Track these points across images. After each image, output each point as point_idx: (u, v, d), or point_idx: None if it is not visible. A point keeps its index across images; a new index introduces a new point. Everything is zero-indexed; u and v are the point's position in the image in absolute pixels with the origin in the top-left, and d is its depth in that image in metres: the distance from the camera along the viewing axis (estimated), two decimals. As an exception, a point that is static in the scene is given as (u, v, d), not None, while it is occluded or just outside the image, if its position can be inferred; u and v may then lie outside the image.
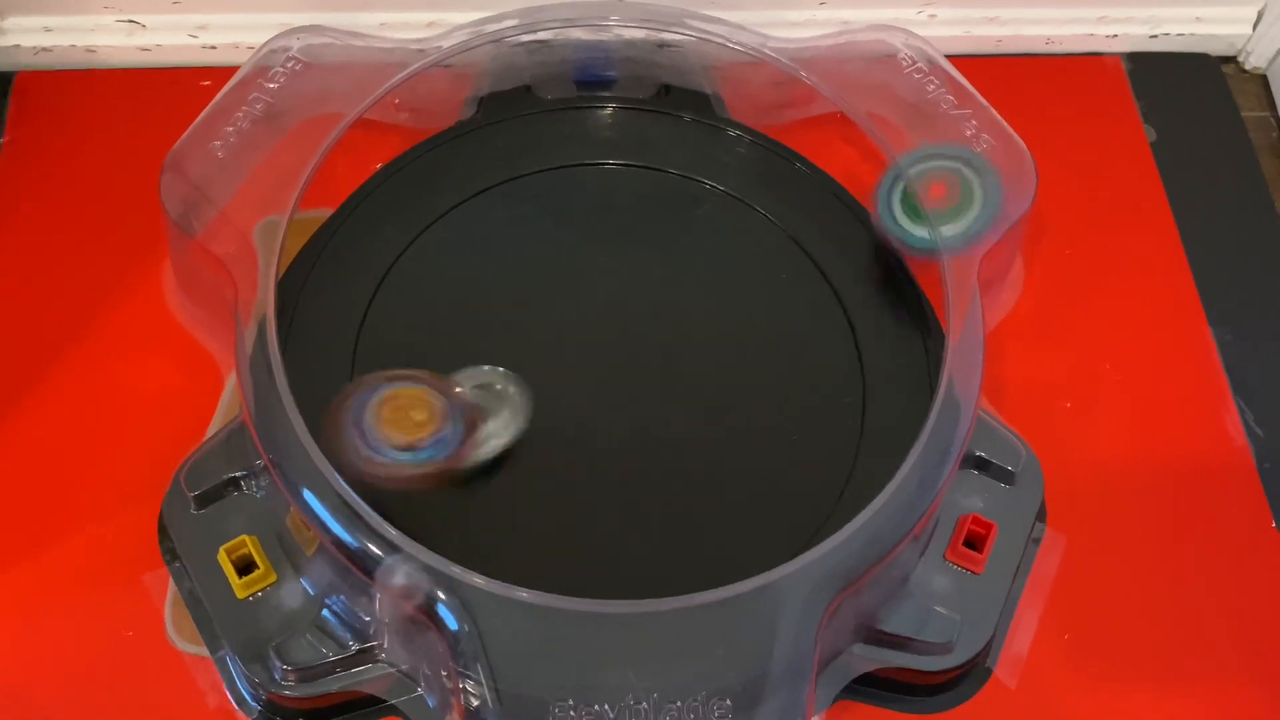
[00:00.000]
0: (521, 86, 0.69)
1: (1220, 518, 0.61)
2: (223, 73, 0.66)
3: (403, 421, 0.52)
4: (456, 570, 0.50)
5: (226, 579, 0.54)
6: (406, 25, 0.73)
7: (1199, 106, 0.76)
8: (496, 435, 0.56)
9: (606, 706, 0.48)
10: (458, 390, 0.53)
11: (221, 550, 0.55)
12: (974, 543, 0.57)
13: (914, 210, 0.59)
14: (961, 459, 0.56)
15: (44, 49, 0.73)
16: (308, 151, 0.61)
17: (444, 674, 0.51)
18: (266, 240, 0.59)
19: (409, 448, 0.53)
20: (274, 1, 0.72)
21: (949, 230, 0.59)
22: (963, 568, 0.56)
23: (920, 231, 0.59)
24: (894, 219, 0.59)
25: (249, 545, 0.55)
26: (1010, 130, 0.64)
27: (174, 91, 0.72)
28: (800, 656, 0.50)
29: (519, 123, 0.68)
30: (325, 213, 0.64)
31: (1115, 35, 0.77)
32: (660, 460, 0.58)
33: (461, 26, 0.67)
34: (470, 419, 0.53)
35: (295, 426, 0.53)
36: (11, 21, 0.73)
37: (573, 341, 0.61)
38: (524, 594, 0.50)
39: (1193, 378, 0.65)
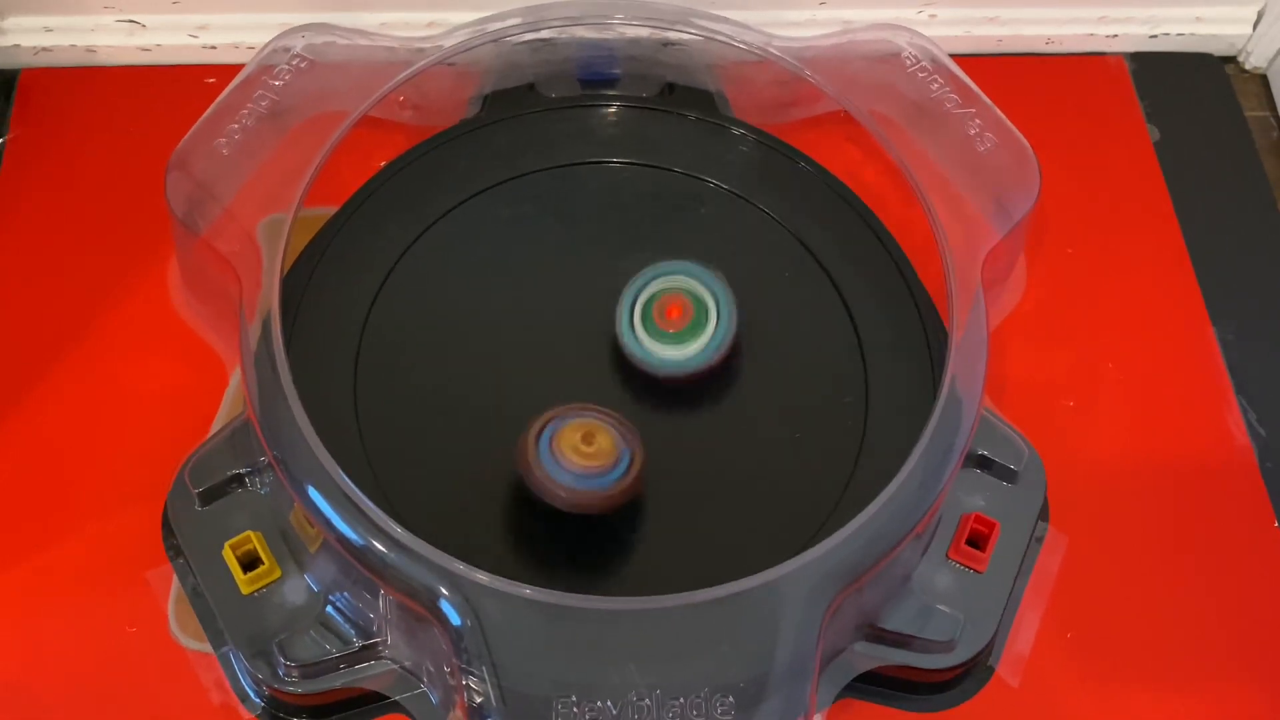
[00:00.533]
0: (525, 85, 0.69)
1: (1222, 517, 0.61)
2: (224, 72, 0.66)
3: (584, 449, 0.53)
4: (460, 566, 0.50)
5: (231, 575, 0.54)
6: (408, 24, 0.73)
7: (1201, 106, 0.76)
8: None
9: (609, 703, 0.48)
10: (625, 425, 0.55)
11: (226, 546, 0.55)
12: (976, 541, 0.57)
13: (654, 330, 0.58)
14: (964, 458, 0.56)
15: (44, 49, 0.73)
16: (312, 149, 0.61)
17: (447, 670, 0.51)
18: (271, 238, 0.59)
19: (589, 473, 0.54)
20: (274, 1, 0.72)
21: (686, 351, 0.58)
22: (965, 566, 0.56)
23: (661, 352, 0.58)
24: (635, 340, 0.58)
25: (253, 541, 0.55)
26: (1014, 129, 0.64)
27: (176, 90, 0.72)
28: (803, 654, 0.50)
29: (523, 121, 0.68)
30: (329, 210, 0.64)
31: (1115, 35, 0.77)
32: (664, 457, 0.58)
33: (465, 25, 0.67)
34: (636, 449, 0.55)
35: (299, 423, 0.53)
36: (12, 21, 0.73)
37: (576, 339, 0.61)
38: (527, 590, 0.50)
39: (1195, 377, 0.65)
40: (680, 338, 0.58)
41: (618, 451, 0.54)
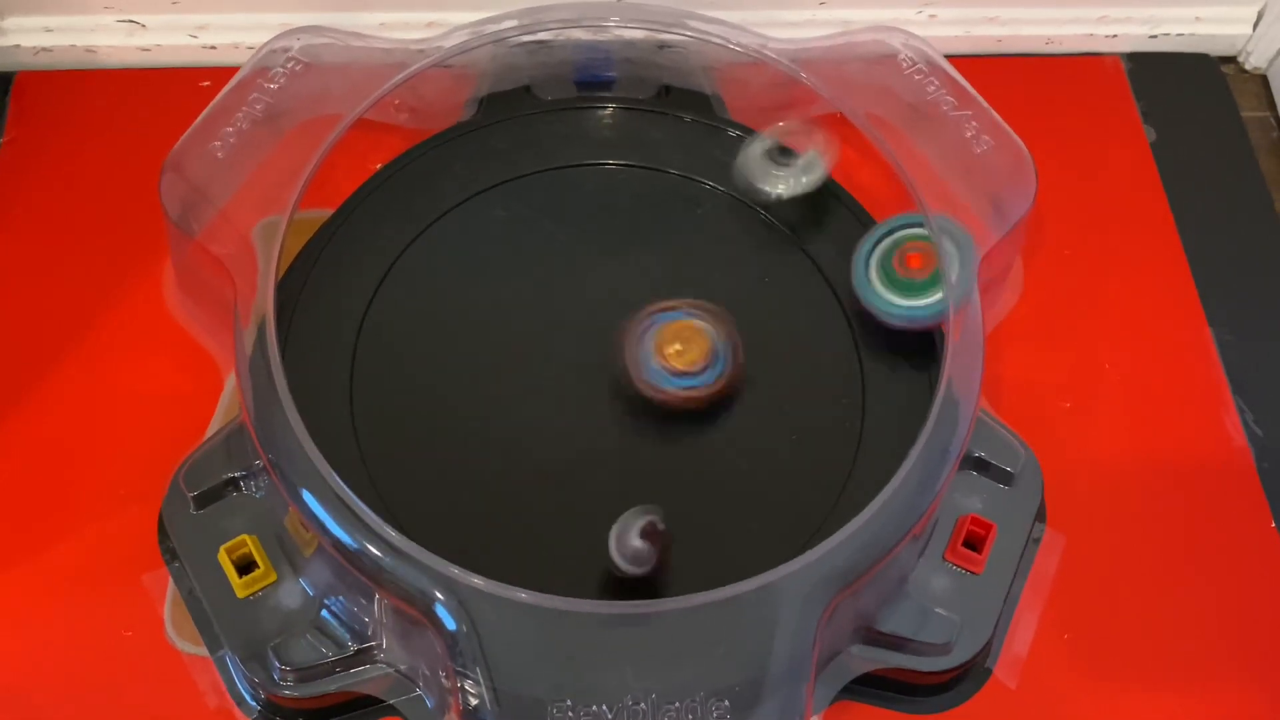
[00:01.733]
0: (521, 87, 0.69)
1: (1220, 518, 0.61)
2: (222, 73, 0.66)
3: (680, 353, 0.57)
4: (455, 571, 0.50)
5: (226, 579, 0.54)
6: (406, 25, 0.73)
7: (1199, 107, 0.76)
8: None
9: (605, 707, 0.48)
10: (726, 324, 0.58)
11: (221, 550, 0.55)
12: (973, 543, 0.57)
13: (891, 279, 0.59)
14: (961, 460, 0.56)
15: (44, 49, 0.73)
16: (308, 152, 0.61)
17: (442, 674, 0.51)
18: (266, 241, 0.59)
19: (683, 374, 0.56)
20: (274, 2, 0.72)
21: (925, 300, 0.59)
22: (962, 568, 0.56)
23: (898, 300, 0.59)
24: (871, 288, 0.59)
25: (249, 545, 0.55)
26: (1010, 131, 0.64)
27: (174, 92, 0.72)
28: (799, 657, 0.50)
29: (519, 123, 0.68)
30: (325, 213, 0.64)
31: (1115, 35, 0.77)
32: (659, 460, 0.58)
33: (462, 27, 0.67)
34: (735, 353, 0.58)
35: (295, 427, 0.53)
36: (11, 21, 0.73)
37: (573, 342, 0.61)
38: (522, 594, 0.50)
39: (1192, 378, 0.65)
40: (921, 287, 0.59)
41: (710, 355, 0.57)
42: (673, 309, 0.58)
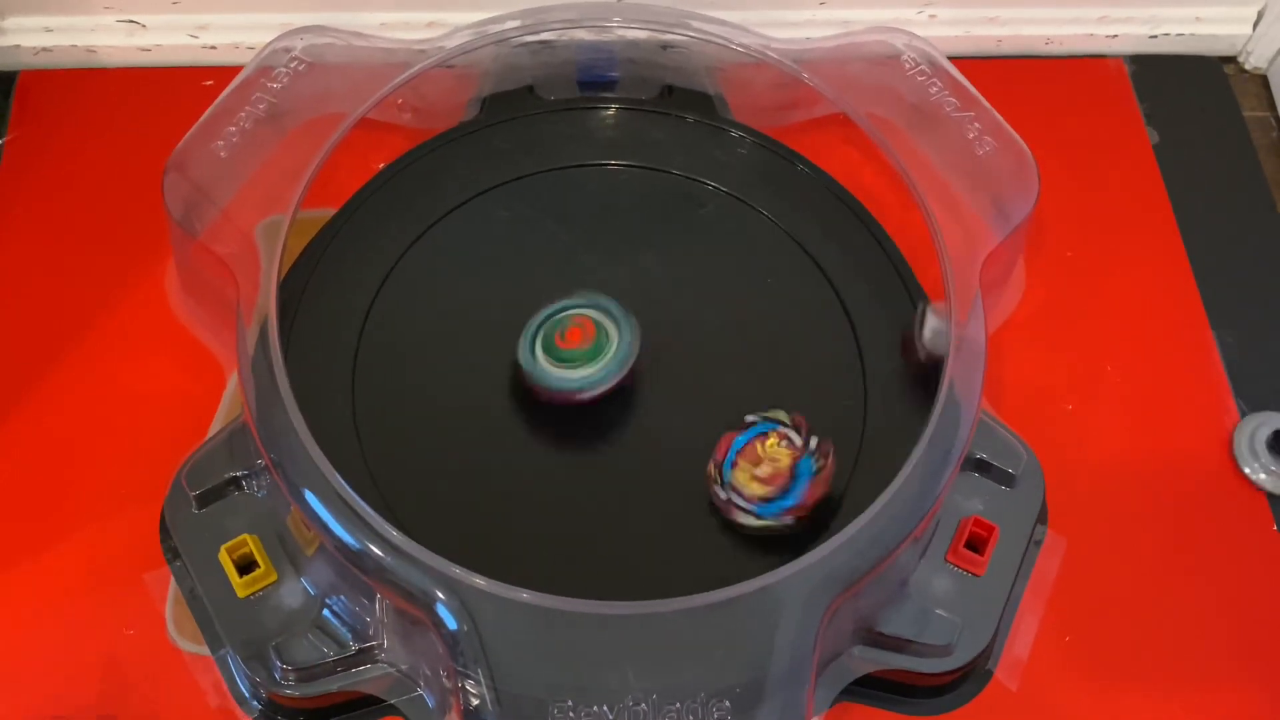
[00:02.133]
0: (524, 87, 0.69)
1: (1221, 520, 0.61)
2: (224, 72, 0.66)
3: (758, 476, 0.55)
4: (457, 571, 0.50)
5: (227, 578, 0.54)
6: (407, 25, 0.73)
7: (1200, 107, 0.76)
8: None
9: (605, 707, 0.48)
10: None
11: (222, 549, 0.55)
12: (975, 545, 0.57)
13: (553, 352, 0.58)
14: (962, 461, 0.56)
15: (44, 49, 0.73)
16: (310, 151, 0.61)
17: (444, 674, 0.51)
18: (269, 240, 0.59)
19: (764, 500, 0.55)
20: (274, 2, 0.72)
21: (583, 373, 0.58)
22: (963, 570, 0.56)
23: (558, 373, 0.58)
24: (534, 361, 0.58)
25: (250, 544, 0.55)
26: (1013, 132, 0.64)
27: (175, 91, 0.72)
28: (800, 658, 0.50)
29: (522, 123, 0.68)
30: (328, 213, 0.64)
31: (1115, 35, 0.77)
32: (661, 461, 0.58)
33: (464, 27, 0.67)
34: (823, 456, 0.56)
35: (296, 427, 0.53)
36: (12, 21, 0.73)
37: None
38: (524, 594, 0.50)
39: (1194, 380, 0.65)
40: (580, 359, 0.58)
41: (791, 471, 0.55)
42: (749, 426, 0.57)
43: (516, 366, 0.58)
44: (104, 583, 0.57)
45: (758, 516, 0.55)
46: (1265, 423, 0.63)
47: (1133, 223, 0.71)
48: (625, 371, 0.57)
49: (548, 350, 0.57)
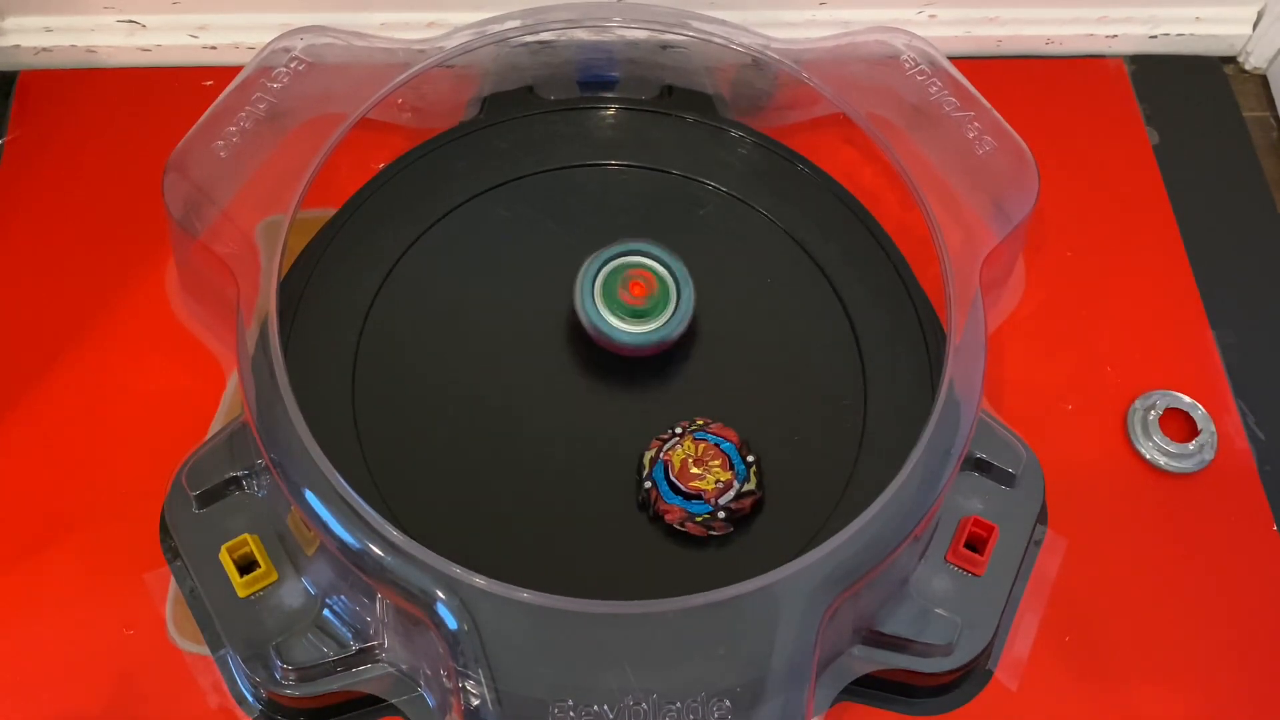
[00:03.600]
0: (524, 87, 0.69)
1: (1221, 520, 0.61)
2: (224, 72, 0.66)
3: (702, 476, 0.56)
4: (457, 570, 0.50)
5: (228, 578, 0.54)
6: (407, 25, 0.73)
7: (1200, 107, 0.76)
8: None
9: (606, 707, 0.48)
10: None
11: (223, 549, 0.55)
12: (975, 545, 0.57)
13: (614, 304, 0.59)
14: (962, 461, 0.56)
15: (44, 49, 0.73)
16: (310, 151, 0.61)
17: (444, 674, 0.51)
18: (269, 240, 0.59)
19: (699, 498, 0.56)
20: (275, 2, 0.72)
21: (646, 327, 0.59)
22: (963, 570, 0.56)
23: (620, 325, 0.59)
24: (596, 310, 0.59)
25: (250, 544, 0.55)
26: (1013, 133, 0.64)
27: (175, 91, 0.72)
28: (800, 658, 0.50)
29: (522, 123, 0.68)
30: (328, 213, 0.64)
31: (1115, 36, 0.77)
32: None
33: (464, 27, 0.67)
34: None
35: (297, 426, 0.53)
36: (12, 21, 0.73)
37: (574, 342, 0.61)
38: (524, 594, 0.50)
39: (1194, 380, 0.65)
40: (644, 313, 0.59)
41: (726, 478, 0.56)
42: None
43: (574, 315, 0.59)
44: (104, 582, 0.57)
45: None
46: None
47: (1133, 223, 0.71)
48: (687, 324, 0.59)
49: (610, 304, 0.59)
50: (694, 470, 0.56)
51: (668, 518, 0.55)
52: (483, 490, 0.57)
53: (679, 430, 0.57)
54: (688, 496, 0.55)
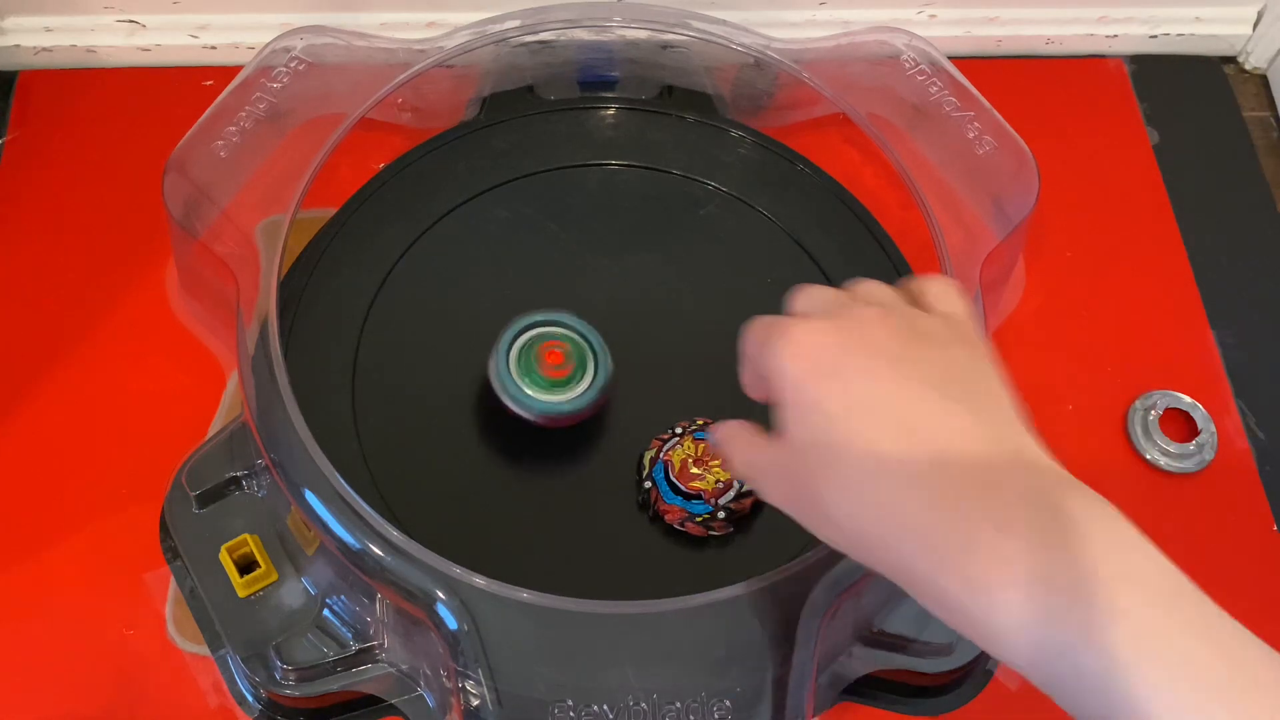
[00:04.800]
0: (524, 87, 0.69)
1: (1221, 520, 0.61)
2: (224, 72, 0.66)
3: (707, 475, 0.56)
4: (457, 570, 0.50)
5: (228, 578, 0.54)
6: (407, 25, 0.73)
7: (1200, 107, 0.76)
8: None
9: (606, 707, 0.48)
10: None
11: (223, 549, 0.55)
12: (975, 544, 0.57)
13: (531, 375, 0.56)
14: (963, 461, 0.56)
15: (44, 49, 0.73)
16: (310, 151, 0.61)
17: (444, 674, 0.51)
18: (269, 240, 0.59)
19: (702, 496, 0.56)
20: (274, 2, 0.72)
21: (560, 397, 0.56)
22: (963, 569, 0.56)
23: (537, 395, 0.56)
24: (512, 381, 0.56)
25: (250, 544, 0.55)
26: (1013, 132, 0.64)
27: (175, 91, 0.72)
28: (800, 658, 0.50)
29: (522, 123, 0.68)
30: (328, 213, 0.64)
31: (1115, 36, 0.77)
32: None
33: (464, 27, 0.67)
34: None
35: (297, 426, 0.53)
36: (11, 21, 0.73)
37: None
38: (524, 594, 0.50)
39: (1195, 380, 0.65)
40: (559, 385, 0.57)
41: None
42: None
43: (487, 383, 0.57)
44: (104, 582, 0.57)
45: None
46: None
47: (1133, 223, 0.71)
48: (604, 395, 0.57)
49: (527, 373, 0.56)
50: (694, 470, 0.56)
51: (668, 518, 0.55)
52: (483, 490, 0.57)
53: (679, 430, 0.57)
54: (688, 497, 0.55)
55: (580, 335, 0.58)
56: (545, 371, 0.56)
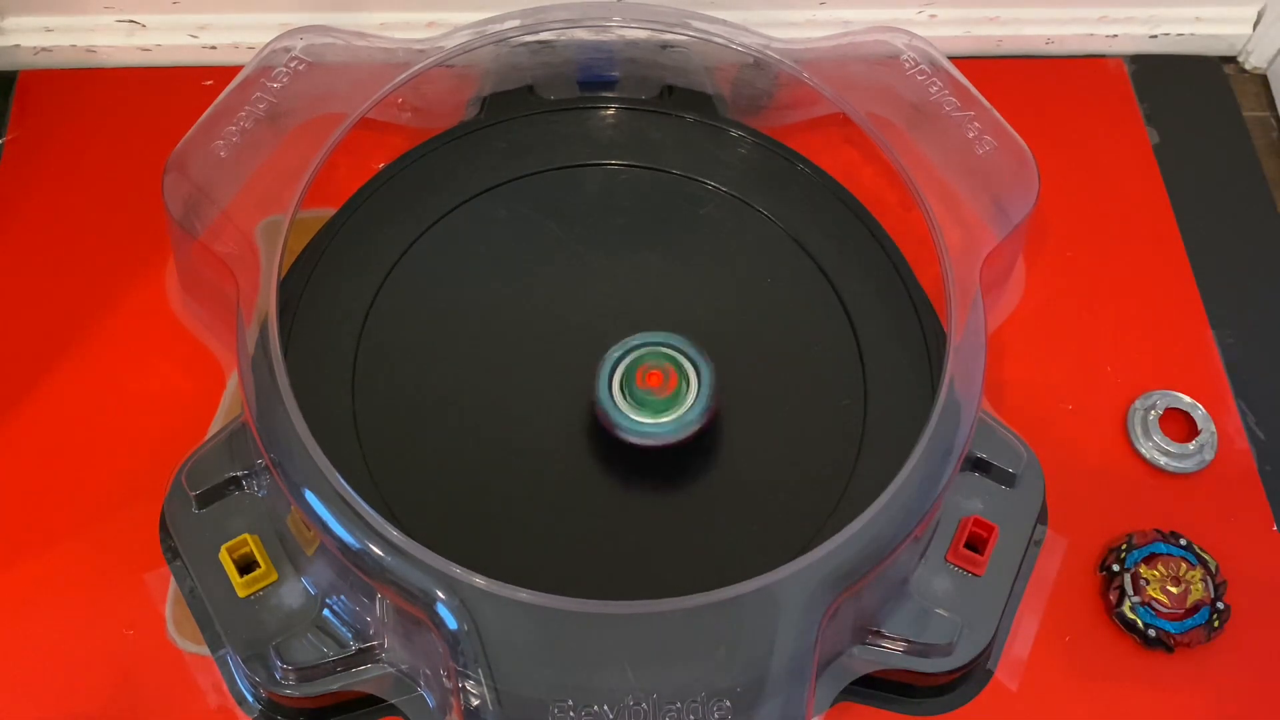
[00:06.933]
0: (524, 87, 0.69)
1: (1221, 520, 0.61)
2: (224, 72, 0.66)
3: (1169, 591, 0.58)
4: (457, 570, 0.50)
5: (228, 578, 0.54)
6: (407, 25, 0.73)
7: (1200, 107, 0.76)
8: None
9: (606, 707, 0.48)
10: None
11: (223, 549, 0.55)
12: (975, 545, 0.57)
13: (633, 396, 0.56)
14: (962, 461, 0.56)
15: (44, 49, 0.73)
16: (310, 151, 0.61)
17: (444, 674, 0.51)
18: (269, 240, 0.59)
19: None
20: (274, 2, 0.72)
21: (664, 419, 0.56)
22: (963, 570, 0.56)
23: (638, 418, 0.56)
24: (613, 403, 0.56)
25: (250, 544, 0.55)
26: (1013, 132, 0.64)
27: (175, 91, 0.72)
28: (800, 657, 0.50)
29: (522, 123, 0.68)
30: (328, 213, 0.64)
31: (1115, 35, 0.77)
32: (660, 461, 0.58)
33: (464, 27, 0.67)
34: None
35: (296, 426, 0.53)
36: (11, 21, 0.73)
37: (574, 342, 0.61)
38: (524, 594, 0.50)
39: (1195, 380, 0.65)
40: (662, 405, 0.56)
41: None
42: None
43: (593, 405, 0.57)
44: (103, 582, 0.57)
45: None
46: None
47: (1133, 222, 0.71)
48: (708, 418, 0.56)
49: (629, 393, 0.56)
50: (1172, 590, 0.57)
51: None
52: (483, 490, 0.57)
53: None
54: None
55: (683, 354, 0.57)
56: (645, 391, 0.56)
